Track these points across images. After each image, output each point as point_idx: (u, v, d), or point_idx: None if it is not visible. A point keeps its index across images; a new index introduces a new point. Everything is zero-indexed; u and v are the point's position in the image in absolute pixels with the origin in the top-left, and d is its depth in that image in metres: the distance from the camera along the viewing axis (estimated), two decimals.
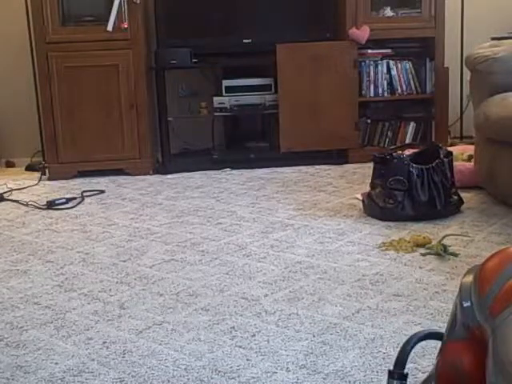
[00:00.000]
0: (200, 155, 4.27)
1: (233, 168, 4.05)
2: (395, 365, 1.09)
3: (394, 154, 2.84)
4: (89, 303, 1.97)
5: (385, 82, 4.19)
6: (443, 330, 1.08)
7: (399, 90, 4.21)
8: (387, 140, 4.28)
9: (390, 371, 1.09)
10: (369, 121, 4.28)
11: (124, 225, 2.88)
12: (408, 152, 3.10)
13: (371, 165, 2.87)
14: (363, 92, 4.18)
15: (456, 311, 1.05)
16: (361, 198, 2.95)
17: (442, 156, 2.79)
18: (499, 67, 2.88)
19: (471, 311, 0.97)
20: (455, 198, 2.81)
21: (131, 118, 3.98)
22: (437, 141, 4.02)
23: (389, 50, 4.20)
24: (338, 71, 4.04)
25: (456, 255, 2.24)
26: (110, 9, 3.82)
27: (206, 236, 2.64)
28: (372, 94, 4.19)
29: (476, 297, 0.96)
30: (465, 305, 1.00)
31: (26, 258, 2.46)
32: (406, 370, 1.09)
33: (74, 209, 3.23)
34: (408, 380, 1.09)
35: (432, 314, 1.79)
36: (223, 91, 4.10)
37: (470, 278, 1.02)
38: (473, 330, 0.98)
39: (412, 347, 1.09)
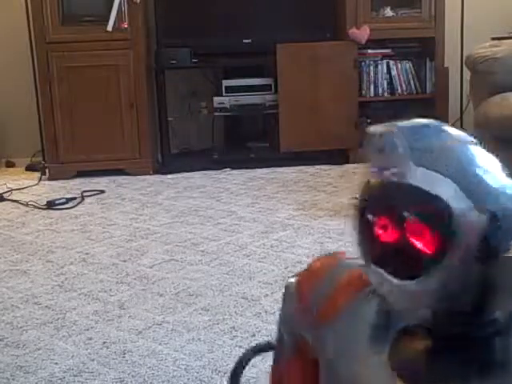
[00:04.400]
0: (200, 155, 4.27)
1: (233, 168, 4.05)
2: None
3: None
4: (89, 303, 1.97)
5: (385, 82, 4.19)
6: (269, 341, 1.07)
7: (399, 90, 4.21)
8: None
9: None
10: (369, 121, 4.28)
11: (124, 225, 2.88)
12: None
13: None
14: (363, 92, 4.18)
15: (280, 326, 1.02)
16: None
17: None
18: (499, 67, 2.88)
19: (297, 327, 0.95)
20: None
21: (131, 118, 3.98)
22: None
23: (389, 50, 4.20)
24: (338, 71, 4.04)
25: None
26: (110, 9, 3.82)
27: (206, 236, 2.64)
28: (372, 93, 4.19)
29: (298, 308, 0.94)
30: (290, 321, 0.98)
31: (26, 258, 2.46)
32: None
33: (74, 209, 3.23)
34: None
35: None
36: (223, 91, 4.10)
37: (289, 293, 0.99)
38: (298, 342, 0.96)
39: (245, 365, 1.06)
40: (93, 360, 1.60)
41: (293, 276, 1.02)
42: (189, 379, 1.48)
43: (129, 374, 1.52)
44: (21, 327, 1.82)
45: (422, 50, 4.23)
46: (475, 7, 4.43)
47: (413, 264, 0.72)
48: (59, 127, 3.95)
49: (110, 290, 2.08)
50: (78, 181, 3.92)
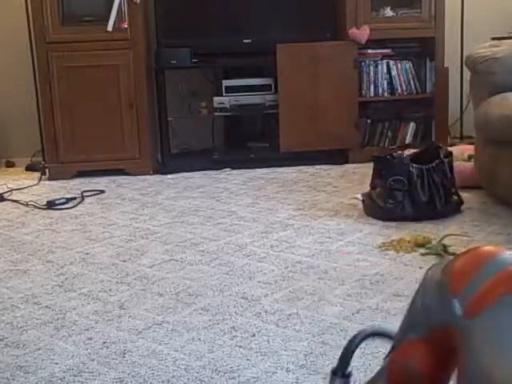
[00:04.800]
0: (200, 155, 4.27)
1: (233, 168, 4.05)
2: (339, 363, 1.05)
3: (394, 153, 2.84)
4: (89, 303, 1.97)
5: (385, 82, 4.19)
6: (390, 328, 1.07)
7: (399, 90, 4.21)
8: (387, 140, 4.28)
9: (333, 370, 1.06)
10: (369, 121, 4.28)
11: (124, 225, 2.88)
12: (408, 152, 3.09)
13: (371, 165, 2.88)
14: (363, 92, 4.18)
15: (414, 309, 1.01)
16: (361, 198, 2.95)
17: (442, 156, 2.79)
18: (499, 67, 2.88)
19: (436, 310, 0.94)
20: (455, 198, 2.81)
21: (131, 118, 3.98)
22: (437, 141, 4.02)
23: (389, 50, 4.20)
24: (338, 71, 4.04)
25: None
26: (110, 9, 3.82)
27: (206, 236, 2.64)
28: (372, 93, 4.19)
29: (446, 296, 0.93)
30: (429, 303, 0.97)
31: (26, 258, 2.46)
32: (349, 369, 1.05)
33: (74, 209, 3.23)
34: (351, 379, 1.06)
35: None
36: (223, 91, 4.10)
37: (435, 276, 0.98)
38: (435, 330, 0.95)
39: (357, 345, 1.05)
40: (93, 360, 1.60)
41: (433, 266, 1.00)
42: (189, 379, 1.48)
43: (129, 374, 1.52)
44: (21, 327, 1.82)
45: (422, 50, 4.23)
46: (475, 7, 4.43)
47: None
48: (59, 127, 3.95)
49: (110, 289, 2.08)
50: (77, 181, 3.92)
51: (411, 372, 0.95)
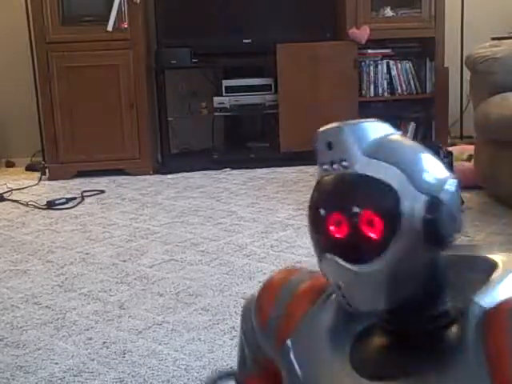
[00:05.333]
0: (200, 155, 4.27)
1: (233, 168, 4.05)
2: None
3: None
4: (89, 303, 1.97)
5: (385, 82, 4.19)
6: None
7: (399, 90, 4.21)
8: None
9: None
10: None
11: (124, 225, 2.88)
12: None
13: None
14: (363, 92, 4.18)
15: (241, 345, 1.03)
16: None
17: (441, 156, 2.79)
18: (499, 67, 2.88)
19: (259, 346, 0.96)
20: None
21: (131, 118, 3.98)
22: (437, 141, 4.02)
23: (389, 50, 4.21)
24: (338, 71, 4.04)
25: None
26: (110, 9, 3.82)
27: (206, 236, 2.64)
28: (372, 93, 4.20)
29: (257, 332, 0.94)
30: (249, 338, 0.98)
31: (26, 258, 2.46)
32: None
33: (74, 209, 3.23)
34: None
35: None
36: (223, 91, 4.10)
37: (249, 312, 0.99)
38: (261, 362, 0.96)
39: None
40: (93, 360, 1.60)
41: (249, 298, 1.03)
42: (189, 379, 1.48)
43: (129, 374, 1.52)
44: (21, 327, 1.82)
45: (422, 49, 4.23)
46: (475, 7, 4.43)
47: (365, 250, 0.76)
48: (59, 127, 3.95)
49: (110, 289, 2.08)
50: (77, 181, 3.92)
51: None
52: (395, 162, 0.77)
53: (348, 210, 0.76)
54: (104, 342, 1.69)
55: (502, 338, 0.73)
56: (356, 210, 0.75)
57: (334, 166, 0.81)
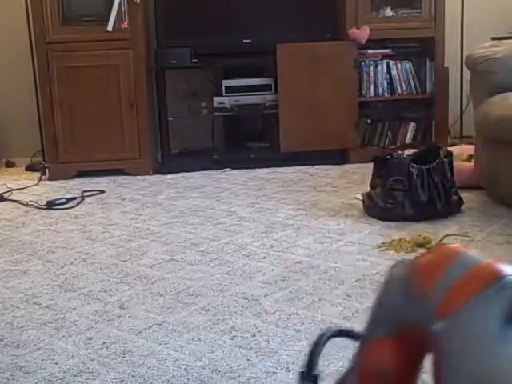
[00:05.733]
0: (200, 155, 4.27)
1: (233, 168, 4.05)
2: (306, 366, 1.05)
3: (393, 153, 2.84)
4: (89, 303, 1.97)
5: (385, 82, 4.19)
6: (352, 328, 1.05)
7: (399, 90, 4.21)
8: (387, 140, 4.28)
9: (300, 373, 1.05)
10: (369, 121, 4.28)
11: (124, 225, 2.88)
12: (408, 152, 3.09)
13: (371, 165, 2.87)
14: (363, 92, 4.18)
15: (380, 308, 1.01)
16: (361, 198, 2.95)
17: (442, 156, 2.79)
18: (499, 67, 2.88)
19: (404, 309, 0.94)
20: (455, 197, 2.81)
21: (131, 118, 3.98)
22: (437, 141, 4.02)
23: (389, 50, 4.21)
24: (338, 71, 4.04)
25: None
26: (110, 9, 3.82)
27: (206, 236, 2.64)
28: (372, 93, 4.20)
29: (414, 295, 0.93)
30: (396, 302, 0.96)
31: (26, 257, 2.46)
32: (317, 371, 1.04)
33: (74, 209, 3.23)
34: (320, 380, 1.05)
35: None
36: (223, 91, 4.10)
37: (400, 275, 0.97)
38: (403, 328, 0.95)
39: (322, 346, 1.04)
40: (93, 360, 1.60)
41: (396, 264, 1.00)
42: (189, 379, 1.48)
43: (129, 374, 1.52)
44: (21, 327, 1.82)
45: (422, 49, 4.23)
46: (475, 7, 4.43)
47: None
48: (59, 127, 3.95)
49: (110, 289, 2.08)
50: (77, 181, 3.92)
51: (380, 371, 0.95)
52: None
53: None
54: (104, 342, 1.69)
55: None
56: None
57: None
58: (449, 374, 0.83)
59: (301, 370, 1.05)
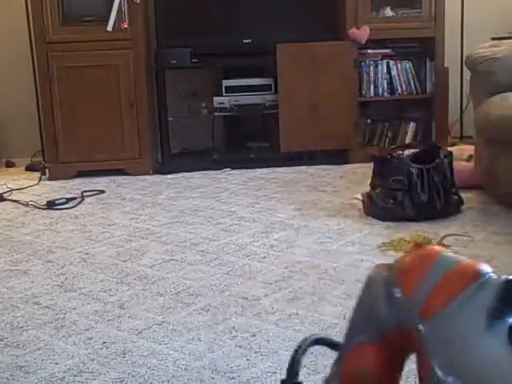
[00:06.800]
0: (200, 155, 4.27)
1: (233, 168, 4.05)
2: (287, 374, 1.04)
3: (393, 153, 2.84)
4: (89, 303, 1.97)
5: (385, 82, 4.19)
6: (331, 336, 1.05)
7: (399, 90, 4.21)
8: (387, 140, 4.28)
9: (282, 381, 1.04)
10: (369, 121, 4.28)
11: (124, 225, 2.88)
12: (408, 152, 3.09)
13: (371, 165, 2.87)
14: (363, 92, 4.18)
15: (362, 311, 1.01)
16: (361, 198, 2.95)
17: (441, 156, 2.79)
18: (499, 67, 2.88)
19: (387, 311, 0.94)
20: (455, 197, 2.81)
21: (131, 118, 3.98)
22: (437, 141, 4.02)
23: (389, 50, 4.20)
24: (338, 71, 4.04)
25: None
26: (110, 9, 3.82)
27: (206, 236, 2.64)
28: (372, 93, 4.19)
29: (397, 297, 0.93)
30: (378, 304, 0.97)
31: (26, 257, 2.46)
32: (299, 379, 1.04)
33: (74, 209, 3.23)
34: None
35: None
36: (223, 91, 4.10)
37: (381, 277, 0.97)
38: (387, 331, 0.95)
39: (303, 354, 1.05)
40: (93, 360, 1.60)
41: (377, 266, 1.00)
42: (189, 379, 1.48)
43: (129, 374, 1.52)
44: (21, 327, 1.82)
45: (422, 50, 4.23)
46: (475, 7, 4.43)
47: None
48: (59, 127, 3.95)
49: (110, 289, 2.08)
50: (77, 181, 3.92)
51: (364, 375, 0.95)
52: None
53: None
54: (104, 342, 1.69)
55: None
56: None
57: None
58: (434, 373, 0.84)
59: (282, 379, 1.05)
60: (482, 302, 0.84)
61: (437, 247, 0.96)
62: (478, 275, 0.87)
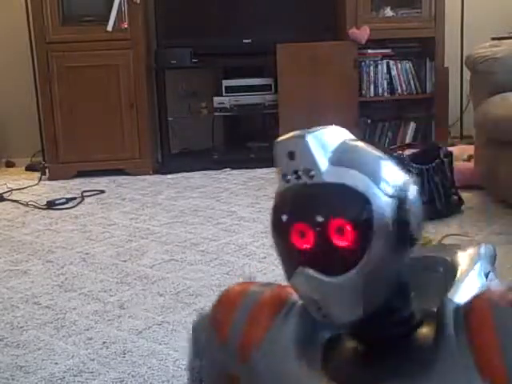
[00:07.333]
0: (200, 155, 4.27)
1: (233, 168, 4.05)
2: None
3: (394, 153, 2.84)
4: (89, 303, 1.97)
5: (385, 82, 4.19)
6: None
7: (399, 90, 4.21)
8: (387, 140, 4.28)
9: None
10: (369, 121, 4.28)
11: (124, 225, 2.88)
12: (408, 152, 3.09)
13: None
14: (363, 92, 4.18)
15: (192, 363, 1.02)
16: None
17: (441, 156, 2.79)
18: (499, 67, 2.88)
19: (213, 360, 0.95)
20: (455, 197, 2.80)
21: (131, 118, 3.98)
22: (437, 141, 4.02)
23: (389, 50, 4.21)
24: (338, 71, 4.04)
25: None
26: (110, 9, 3.82)
27: (206, 236, 2.64)
28: (372, 93, 4.20)
29: (216, 346, 0.93)
30: (203, 354, 0.98)
31: (26, 257, 2.46)
32: None
33: (74, 209, 3.23)
34: None
35: None
36: (223, 91, 4.10)
37: (203, 326, 0.98)
38: (218, 378, 0.96)
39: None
40: (93, 360, 1.60)
41: (200, 315, 1.02)
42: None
43: (129, 374, 1.51)
44: (21, 327, 1.82)
45: (422, 49, 4.23)
46: (475, 7, 4.43)
47: (341, 260, 0.75)
48: (59, 127, 3.95)
49: (110, 289, 2.08)
50: (77, 181, 3.92)
51: None
52: (361, 168, 0.77)
53: (315, 217, 0.76)
54: (104, 342, 1.69)
55: (488, 333, 0.74)
56: (324, 214, 0.75)
57: (298, 176, 0.82)
58: None
59: None
60: (290, 329, 0.85)
61: (241, 286, 0.96)
62: (279, 307, 0.88)
